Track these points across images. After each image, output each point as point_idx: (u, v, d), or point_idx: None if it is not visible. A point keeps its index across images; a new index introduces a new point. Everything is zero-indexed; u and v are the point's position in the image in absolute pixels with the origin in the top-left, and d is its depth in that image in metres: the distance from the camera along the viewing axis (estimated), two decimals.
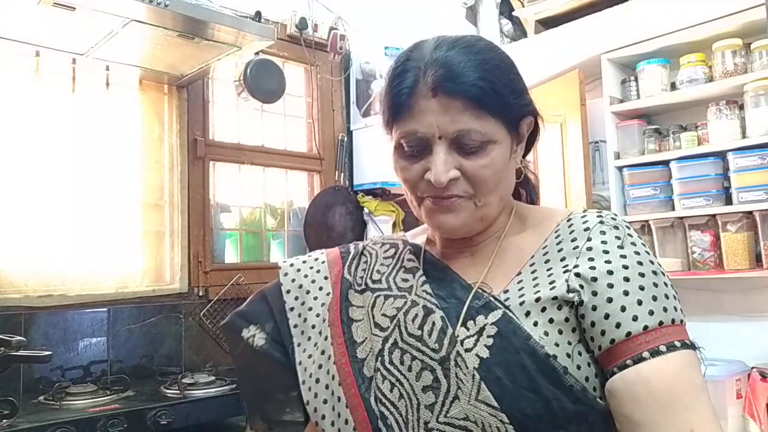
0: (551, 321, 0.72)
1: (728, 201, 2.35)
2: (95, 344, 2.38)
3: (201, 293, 2.67)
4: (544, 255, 0.79)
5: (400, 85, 0.77)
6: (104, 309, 2.40)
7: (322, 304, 0.89)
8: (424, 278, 0.84)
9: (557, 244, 0.80)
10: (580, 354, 0.72)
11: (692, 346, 0.70)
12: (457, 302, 0.79)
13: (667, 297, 0.72)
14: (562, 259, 0.77)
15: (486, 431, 0.69)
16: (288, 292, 0.92)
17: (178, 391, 2.13)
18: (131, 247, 2.52)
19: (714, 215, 2.37)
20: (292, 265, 0.96)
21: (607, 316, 0.71)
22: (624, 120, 2.65)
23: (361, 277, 0.90)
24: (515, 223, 0.86)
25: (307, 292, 0.91)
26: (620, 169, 2.63)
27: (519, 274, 0.79)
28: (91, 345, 2.37)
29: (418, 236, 0.96)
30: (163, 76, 2.57)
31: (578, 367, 0.71)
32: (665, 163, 2.51)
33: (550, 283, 0.75)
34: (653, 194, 2.53)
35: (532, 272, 0.78)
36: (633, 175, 2.58)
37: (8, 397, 1.83)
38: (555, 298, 0.73)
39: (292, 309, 0.90)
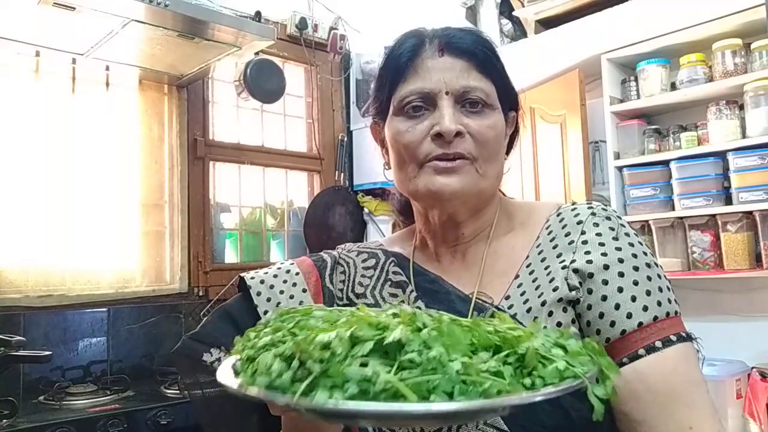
0: (559, 325, 0.71)
1: (728, 201, 2.35)
2: (95, 344, 2.38)
3: (201, 293, 2.67)
4: (539, 253, 0.78)
5: (402, 48, 0.80)
6: (104, 309, 2.41)
7: None
8: (416, 294, 0.80)
9: (551, 240, 0.78)
10: None
11: (688, 338, 0.70)
12: (458, 315, 0.76)
13: (660, 290, 0.72)
14: (558, 255, 0.76)
15: None
16: (266, 313, 0.83)
17: (178, 391, 2.13)
18: (131, 247, 2.52)
19: (714, 215, 2.37)
20: (262, 281, 0.86)
21: (601, 315, 0.70)
22: (624, 120, 2.65)
23: (341, 290, 0.85)
24: (503, 220, 0.84)
25: None
26: (620, 169, 2.62)
27: (517, 277, 0.77)
28: (91, 345, 2.37)
29: (396, 244, 0.91)
30: (163, 76, 2.57)
31: None
32: (665, 163, 2.51)
33: (551, 281, 0.74)
34: (653, 194, 2.52)
35: (530, 273, 0.77)
36: (633, 175, 2.58)
37: (8, 397, 1.84)
38: (560, 300, 0.72)
39: None
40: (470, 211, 0.80)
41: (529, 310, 0.73)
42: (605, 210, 0.78)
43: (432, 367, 0.42)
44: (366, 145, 3.24)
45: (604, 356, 0.51)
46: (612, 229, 0.76)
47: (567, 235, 0.77)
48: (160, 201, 2.65)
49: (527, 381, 0.45)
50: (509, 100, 0.82)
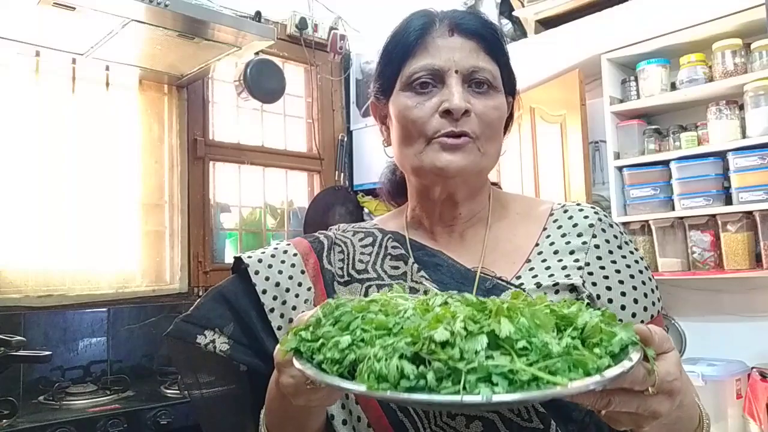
0: (565, 302, 0.75)
1: (728, 201, 2.35)
2: (95, 344, 2.38)
3: (201, 293, 2.66)
4: (551, 245, 0.82)
5: (411, 27, 0.81)
6: (104, 309, 2.40)
7: (306, 301, 0.82)
8: (417, 265, 0.82)
9: (562, 236, 0.82)
10: None
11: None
12: (460, 286, 0.77)
13: (653, 291, 0.81)
14: (572, 252, 0.80)
15: (514, 411, 0.71)
16: (264, 292, 0.83)
17: (178, 391, 2.13)
18: (131, 247, 2.52)
19: (714, 215, 2.36)
20: (260, 260, 0.85)
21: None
22: (624, 120, 2.65)
23: (341, 268, 0.85)
24: (497, 208, 0.87)
25: (287, 290, 0.83)
26: (620, 169, 2.62)
27: (529, 261, 0.81)
28: (91, 345, 2.37)
29: (391, 222, 0.91)
30: (163, 76, 2.57)
31: None
32: (665, 163, 2.51)
33: (563, 269, 0.78)
34: (653, 194, 2.52)
35: (543, 261, 0.81)
36: (633, 175, 2.58)
37: (8, 397, 1.84)
38: (571, 286, 0.76)
39: (272, 310, 0.82)
40: (469, 190, 0.83)
41: (538, 286, 0.77)
42: (607, 216, 0.86)
43: (542, 353, 0.47)
44: (366, 145, 3.24)
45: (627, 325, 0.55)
46: (616, 237, 0.83)
47: (579, 235, 0.82)
48: (160, 201, 2.65)
49: (597, 351, 0.49)
50: (510, 85, 0.85)
